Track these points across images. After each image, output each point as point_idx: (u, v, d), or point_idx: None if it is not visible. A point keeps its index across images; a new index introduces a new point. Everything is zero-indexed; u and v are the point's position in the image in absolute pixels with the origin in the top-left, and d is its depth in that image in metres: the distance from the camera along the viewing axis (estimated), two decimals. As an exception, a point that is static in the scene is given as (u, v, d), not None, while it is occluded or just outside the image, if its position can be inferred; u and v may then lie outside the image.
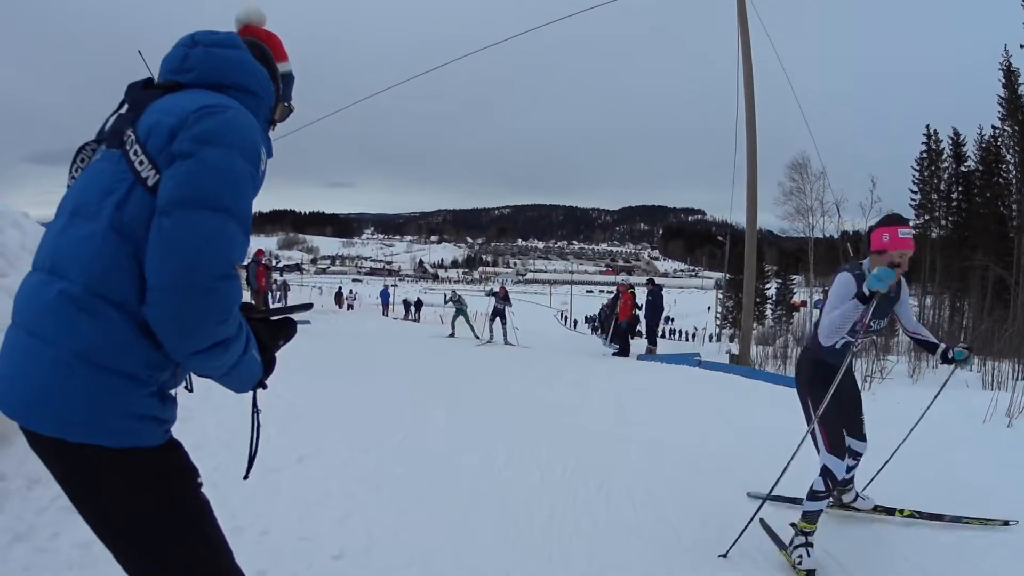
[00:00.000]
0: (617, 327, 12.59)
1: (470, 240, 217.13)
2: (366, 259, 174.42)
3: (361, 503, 2.93)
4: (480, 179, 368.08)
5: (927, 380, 8.64)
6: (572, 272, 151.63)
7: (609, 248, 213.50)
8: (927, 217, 29.05)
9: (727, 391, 7.04)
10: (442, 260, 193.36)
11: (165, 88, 1.25)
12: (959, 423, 5.09)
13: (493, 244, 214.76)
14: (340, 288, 42.65)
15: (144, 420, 1.15)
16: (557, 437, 4.41)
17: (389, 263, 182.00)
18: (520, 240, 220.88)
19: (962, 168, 28.34)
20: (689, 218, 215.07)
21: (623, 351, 12.27)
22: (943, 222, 28.68)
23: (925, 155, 29.61)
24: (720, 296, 41.83)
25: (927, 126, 29.69)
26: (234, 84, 1.29)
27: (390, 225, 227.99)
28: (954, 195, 28.56)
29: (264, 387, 1.30)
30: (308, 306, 1.72)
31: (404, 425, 4.38)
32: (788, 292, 42.91)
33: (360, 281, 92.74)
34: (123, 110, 1.26)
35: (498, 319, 13.84)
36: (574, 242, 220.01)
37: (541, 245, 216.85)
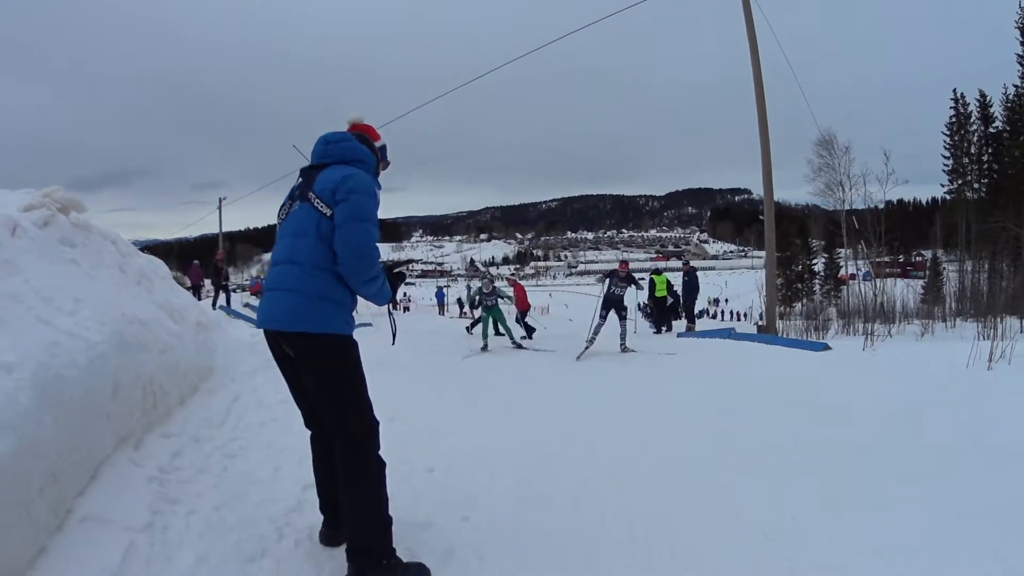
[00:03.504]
0: (655, 307, 14.11)
1: (519, 236, 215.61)
2: (417, 261, 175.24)
3: (439, 444, 3.87)
4: (525, 174, 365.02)
5: (935, 336, 8.74)
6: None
7: (658, 234, 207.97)
8: (960, 182, 29.01)
9: (745, 355, 7.99)
10: (492, 257, 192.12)
11: (319, 168, 2.25)
12: (943, 368, 5.44)
13: (543, 238, 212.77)
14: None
15: (347, 322, 2.17)
16: (595, 393, 5.81)
17: (440, 264, 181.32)
18: (570, 232, 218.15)
19: (990, 130, 28.18)
20: (736, 198, 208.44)
21: (660, 328, 13.72)
22: (975, 185, 28.51)
23: (954, 119, 29.44)
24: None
25: (954, 90, 29.63)
26: (354, 159, 2.28)
27: (439, 226, 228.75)
28: (984, 158, 28.38)
29: (394, 304, 2.52)
30: (409, 261, 3.50)
31: (468, 394, 5.74)
32: (835, 266, 42.81)
33: (413, 284, 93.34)
34: (301, 181, 2.28)
35: (612, 311, 9.49)
36: (623, 230, 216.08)
37: (591, 236, 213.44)
